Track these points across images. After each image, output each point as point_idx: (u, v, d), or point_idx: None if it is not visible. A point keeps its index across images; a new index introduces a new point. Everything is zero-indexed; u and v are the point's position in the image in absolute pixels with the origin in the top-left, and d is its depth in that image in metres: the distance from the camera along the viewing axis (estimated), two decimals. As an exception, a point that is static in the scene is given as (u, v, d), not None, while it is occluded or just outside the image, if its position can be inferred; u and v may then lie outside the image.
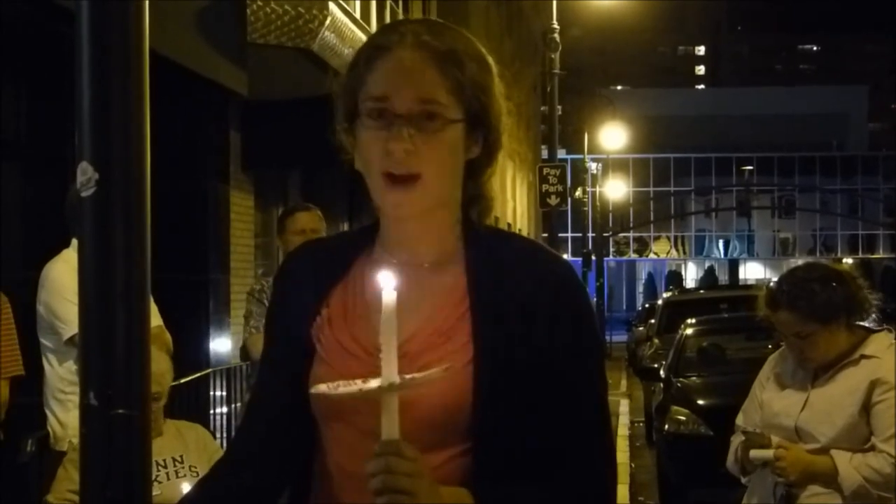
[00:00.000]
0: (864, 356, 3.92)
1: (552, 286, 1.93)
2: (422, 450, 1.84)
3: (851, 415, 3.85)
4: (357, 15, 13.60)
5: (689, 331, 12.81)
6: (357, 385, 1.76)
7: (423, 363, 1.87)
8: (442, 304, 1.95)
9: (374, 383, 1.73)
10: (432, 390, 1.85)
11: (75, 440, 4.85)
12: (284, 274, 2.14)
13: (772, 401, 4.06)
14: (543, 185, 20.84)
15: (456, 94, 1.92)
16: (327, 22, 11.52)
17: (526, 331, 1.89)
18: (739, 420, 4.25)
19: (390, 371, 1.71)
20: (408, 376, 1.72)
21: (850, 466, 3.81)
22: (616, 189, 49.82)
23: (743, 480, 4.23)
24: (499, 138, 2.00)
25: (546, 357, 1.90)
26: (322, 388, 1.80)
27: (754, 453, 3.93)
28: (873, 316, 4.04)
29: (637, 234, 73.37)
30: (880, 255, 74.82)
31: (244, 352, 6.40)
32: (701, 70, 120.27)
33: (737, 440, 4.16)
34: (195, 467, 4.45)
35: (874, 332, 3.99)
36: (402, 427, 1.82)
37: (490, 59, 2.00)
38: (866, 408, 3.85)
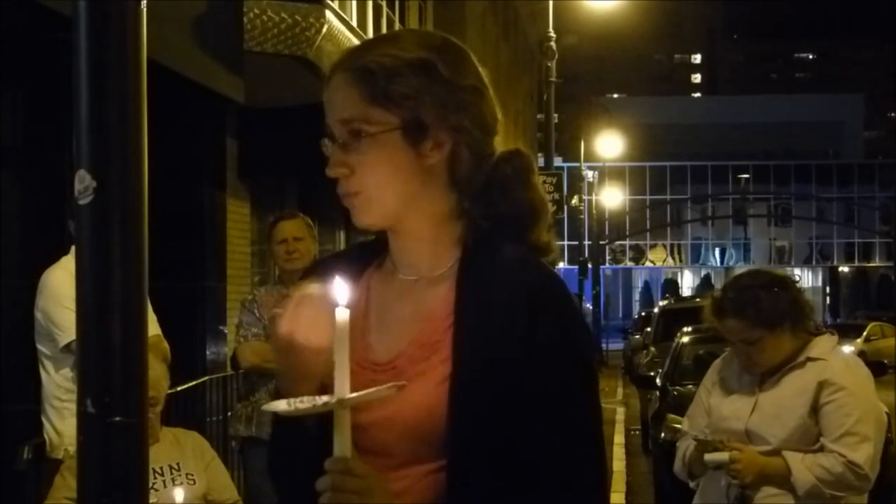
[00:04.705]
0: (809, 359, 4.00)
1: (537, 302, 1.89)
2: (402, 463, 1.86)
3: (801, 416, 3.92)
4: (354, 23, 13.62)
5: (686, 339, 12.81)
6: (317, 401, 1.74)
7: (408, 377, 1.88)
8: (430, 318, 1.94)
9: (325, 399, 1.72)
10: (410, 405, 1.85)
11: (71, 448, 4.85)
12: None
13: (720, 405, 4.14)
14: (540, 193, 20.82)
15: (381, 104, 1.91)
16: (324, 30, 11.52)
17: (507, 348, 1.86)
18: (685, 425, 4.34)
19: (342, 387, 1.70)
20: (356, 394, 1.71)
21: (802, 467, 3.88)
22: (612, 197, 49.90)
23: (691, 485, 4.31)
24: (462, 139, 1.95)
25: (527, 374, 1.86)
26: (282, 406, 1.77)
27: (709, 457, 3.99)
28: (814, 319, 4.16)
29: (633, 243, 73.40)
30: (876, 263, 74.89)
31: (234, 361, 6.40)
32: (697, 78, 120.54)
33: (683, 445, 4.24)
34: (192, 475, 4.45)
35: (816, 335, 4.08)
36: (383, 440, 1.85)
37: (441, 62, 1.93)
38: (815, 409, 3.93)
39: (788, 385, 3.99)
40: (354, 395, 1.71)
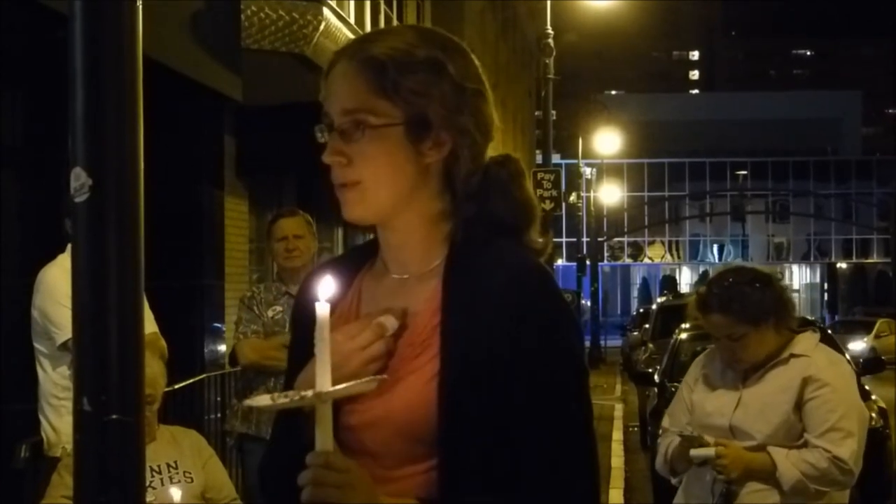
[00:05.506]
0: (793, 355, 4.04)
1: (526, 299, 1.88)
2: (398, 463, 1.87)
3: (785, 412, 3.96)
4: (351, 20, 13.62)
5: (684, 335, 12.80)
6: (296, 395, 1.74)
7: (399, 376, 1.88)
8: (418, 316, 1.94)
9: (304, 393, 1.72)
10: (401, 403, 1.86)
11: (69, 446, 4.84)
12: (297, 297, 2.14)
13: (703, 402, 4.16)
14: (538, 190, 20.79)
15: (388, 97, 1.91)
16: (321, 27, 11.52)
17: (495, 345, 1.86)
18: (666, 422, 4.35)
19: (322, 381, 1.70)
20: (335, 387, 1.71)
21: (787, 462, 3.92)
22: (610, 194, 49.89)
23: (673, 481, 4.32)
24: (464, 141, 1.95)
25: (516, 372, 1.86)
26: (264, 401, 1.77)
27: (695, 452, 4.02)
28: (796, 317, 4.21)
29: (631, 239, 73.40)
30: (874, 259, 74.90)
31: (232, 357, 6.40)
32: (695, 75, 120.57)
33: (665, 441, 4.26)
34: (189, 473, 4.44)
35: (799, 332, 4.11)
36: (376, 441, 1.86)
37: (450, 63, 1.94)
38: (799, 405, 3.96)
39: (772, 381, 4.02)
40: (333, 388, 1.71)
